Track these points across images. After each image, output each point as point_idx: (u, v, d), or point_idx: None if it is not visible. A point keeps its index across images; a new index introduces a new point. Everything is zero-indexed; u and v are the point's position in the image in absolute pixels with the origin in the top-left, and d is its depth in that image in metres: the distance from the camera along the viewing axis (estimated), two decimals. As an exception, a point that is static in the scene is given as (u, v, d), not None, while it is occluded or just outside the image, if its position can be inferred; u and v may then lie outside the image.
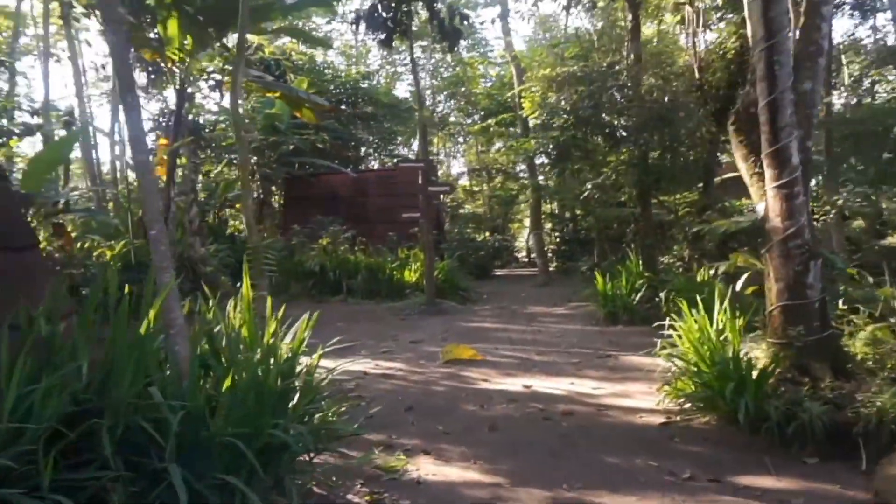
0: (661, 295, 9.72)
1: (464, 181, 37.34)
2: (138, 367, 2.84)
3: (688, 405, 5.27)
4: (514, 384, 6.29)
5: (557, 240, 23.11)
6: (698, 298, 5.85)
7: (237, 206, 17.23)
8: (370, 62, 32.54)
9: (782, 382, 4.98)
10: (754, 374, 4.78)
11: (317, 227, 16.06)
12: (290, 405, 3.43)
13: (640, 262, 11.07)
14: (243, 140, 5.94)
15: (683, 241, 11.84)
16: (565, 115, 9.83)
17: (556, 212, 24.26)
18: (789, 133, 5.08)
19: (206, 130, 17.86)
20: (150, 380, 2.87)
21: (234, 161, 18.83)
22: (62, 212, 8.05)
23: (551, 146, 11.11)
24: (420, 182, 12.35)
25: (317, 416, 3.72)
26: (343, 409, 4.23)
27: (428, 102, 30.96)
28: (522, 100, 15.11)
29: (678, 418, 5.10)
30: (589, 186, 10.57)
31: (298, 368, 3.96)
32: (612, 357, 7.46)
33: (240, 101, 19.67)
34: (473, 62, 29.44)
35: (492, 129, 22.00)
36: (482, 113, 27.55)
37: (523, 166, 32.34)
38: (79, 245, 9.54)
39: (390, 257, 14.79)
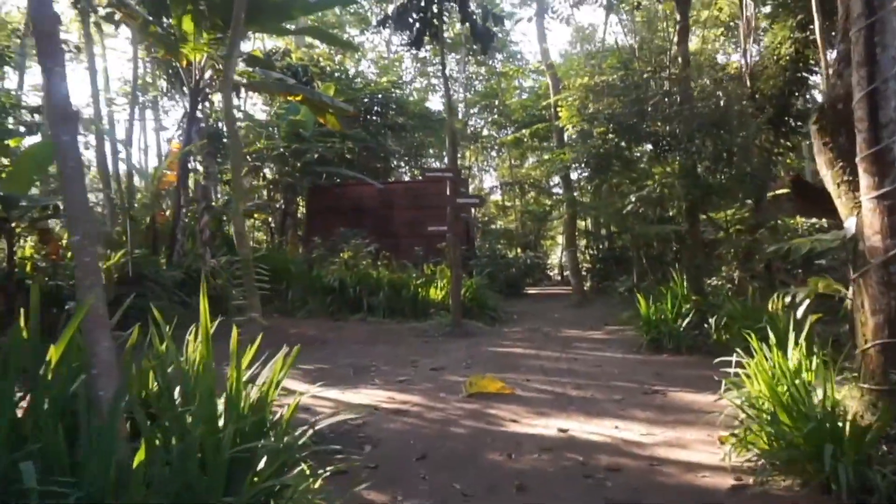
0: (711, 321, 8.76)
1: (496, 196, 36.54)
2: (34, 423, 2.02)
3: (761, 462, 4.32)
4: (549, 427, 5.37)
5: (592, 258, 22.06)
6: (769, 331, 4.90)
7: (256, 215, 16.60)
8: (403, 74, 31.99)
9: (884, 441, 4.01)
10: (848, 429, 3.82)
11: (339, 239, 15.32)
12: (252, 475, 2.56)
13: (685, 283, 10.09)
14: (235, 136, 5.19)
15: (733, 261, 10.80)
16: (606, 123, 8.91)
17: (591, 229, 23.22)
18: (893, 131, 4.13)
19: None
20: (44, 444, 2.04)
21: (257, 167, 18.29)
22: (51, 216, 7.43)
23: (590, 156, 10.17)
24: (448, 193, 11.53)
25: (290, 489, 2.83)
26: (330, 471, 3.34)
27: (460, 115, 30.28)
28: (559, 109, 14.23)
29: (751, 480, 4.13)
30: (633, 199, 9.59)
31: (273, 418, 3.11)
32: (661, 393, 6.49)
33: (265, 107, 19.04)
34: (508, 70, 28.63)
35: (525, 140, 21.10)
36: (516, 125, 26.74)
37: (557, 180, 31.49)
38: (70, 254, 8.93)
39: (415, 273, 13.97)
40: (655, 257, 15.23)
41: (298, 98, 13.09)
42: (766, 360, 4.71)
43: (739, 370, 5.01)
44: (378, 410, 5.86)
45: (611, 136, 9.35)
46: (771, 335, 4.81)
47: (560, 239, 37.55)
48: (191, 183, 12.52)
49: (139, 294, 9.65)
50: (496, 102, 28.58)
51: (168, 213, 12.21)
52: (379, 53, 32.15)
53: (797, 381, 4.30)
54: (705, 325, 8.81)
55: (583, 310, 15.77)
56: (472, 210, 24.53)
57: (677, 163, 8.72)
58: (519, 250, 27.11)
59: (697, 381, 6.94)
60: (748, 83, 10.40)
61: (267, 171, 19.18)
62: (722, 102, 8.72)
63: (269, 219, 21.06)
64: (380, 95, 23.80)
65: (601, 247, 20.55)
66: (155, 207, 11.43)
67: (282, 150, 17.57)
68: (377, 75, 25.91)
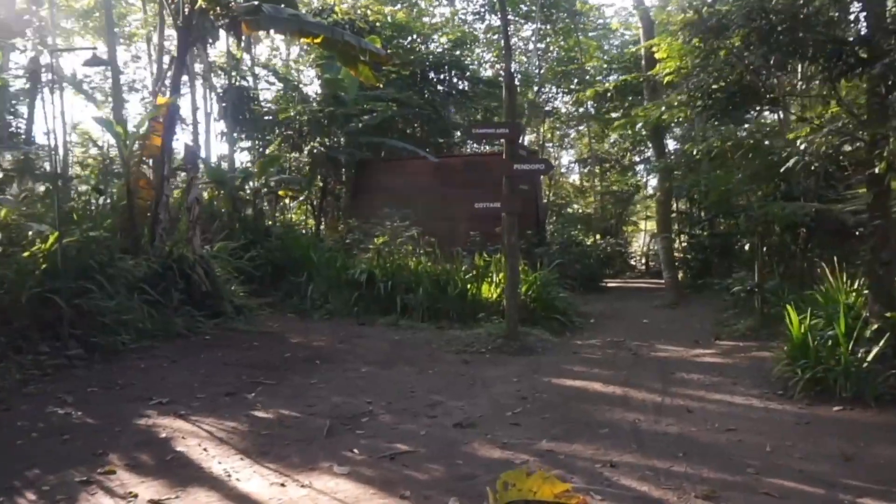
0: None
1: (574, 177, 32.96)
2: None
3: None
4: None
5: (686, 247, 18.44)
6: None
7: (281, 192, 14.01)
8: (469, 41, 28.75)
9: None
10: None
11: (378, 221, 12.52)
12: None
13: (851, 288, 6.76)
14: None
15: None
16: (754, 20, 5.46)
17: (687, 209, 19.56)
18: None
19: (258, 100, 14.76)
20: None
21: (290, 136, 15.69)
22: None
23: (713, 91, 6.78)
24: (504, 157, 8.52)
25: None
26: None
27: (534, 89, 26.94)
28: (654, 52, 10.90)
29: None
30: (802, 147, 6.14)
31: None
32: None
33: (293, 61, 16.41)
34: (585, 8, 24.70)
35: (610, 94, 17.58)
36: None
37: (641, 157, 27.64)
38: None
39: (465, 265, 10.99)
40: (777, 248, 11.70)
41: (318, 41, 10.32)
42: None
43: None
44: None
45: (747, 56, 5.96)
46: None
47: (643, 224, 33.61)
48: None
49: (79, 292, 7.20)
50: (574, 67, 24.96)
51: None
52: (445, 19, 28.99)
53: None
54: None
55: (679, 312, 12.46)
56: (541, 183, 21.26)
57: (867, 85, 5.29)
58: (598, 237, 23.66)
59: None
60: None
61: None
62: None
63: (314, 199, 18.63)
64: (446, 55, 20.68)
65: (703, 232, 16.89)
66: (130, 177, 8.94)
67: (319, 116, 14.91)
68: (434, 30, 22.52)
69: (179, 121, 15.78)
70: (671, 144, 19.55)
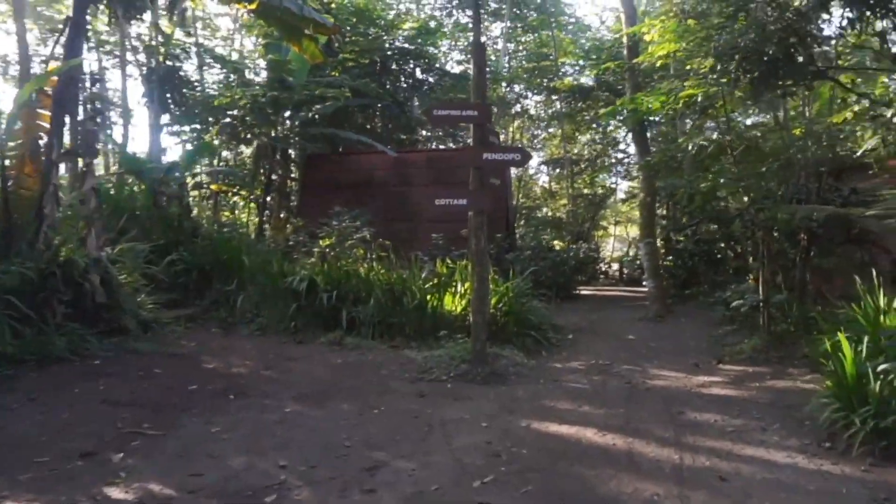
0: None
1: (543, 179, 31.76)
2: None
3: None
4: None
5: (666, 253, 17.17)
6: None
7: (214, 186, 12.30)
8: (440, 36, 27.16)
9: None
10: None
11: (327, 221, 10.92)
12: None
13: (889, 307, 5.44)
14: None
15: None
16: None
17: (670, 213, 18.29)
18: None
19: (193, 83, 13.01)
20: None
21: (230, 125, 13.95)
22: None
23: (747, 53, 5.38)
24: (472, 143, 7.04)
25: None
26: None
27: (503, 86, 25.49)
28: (645, 31, 9.55)
29: None
30: (882, 120, 4.78)
31: None
32: None
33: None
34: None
35: (594, 81, 16.24)
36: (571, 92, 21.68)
37: (614, 159, 26.47)
38: None
39: (425, 272, 9.46)
40: (775, 256, 10.43)
41: (253, 6, 8.73)
42: None
43: None
44: None
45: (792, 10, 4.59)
46: None
47: (613, 229, 32.53)
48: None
49: None
50: (547, 64, 23.60)
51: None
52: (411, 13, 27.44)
53: None
54: None
55: (667, 327, 11.10)
56: (511, 182, 19.85)
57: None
58: (568, 241, 22.29)
59: None
60: None
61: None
62: None
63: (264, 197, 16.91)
64: (409, 46, 18.97)
65: (683, 239, 15.59)
66: (6, 161, 7.19)
67: (262, 102, 13.22)
68: (397, 18, 20.91)
69: (107, 104, 14.03)
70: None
